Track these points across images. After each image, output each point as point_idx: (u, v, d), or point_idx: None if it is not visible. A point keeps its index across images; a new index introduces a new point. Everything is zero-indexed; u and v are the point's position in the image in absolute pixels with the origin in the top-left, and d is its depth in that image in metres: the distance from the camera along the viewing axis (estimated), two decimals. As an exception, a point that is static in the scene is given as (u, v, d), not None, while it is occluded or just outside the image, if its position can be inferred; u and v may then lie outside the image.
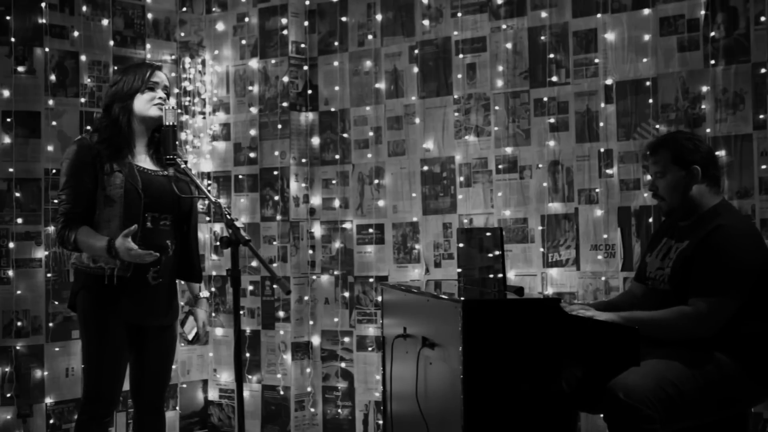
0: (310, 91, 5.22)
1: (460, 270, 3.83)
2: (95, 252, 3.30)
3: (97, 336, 3.35)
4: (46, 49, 4.65)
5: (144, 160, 3.46)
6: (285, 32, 5.14)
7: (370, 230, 5.05)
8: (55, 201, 3.43)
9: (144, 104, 3.42)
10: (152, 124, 3.46)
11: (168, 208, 3.45)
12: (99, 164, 3.34)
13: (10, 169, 4.55)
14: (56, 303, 4.63)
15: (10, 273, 4.54)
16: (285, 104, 5.14)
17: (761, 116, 4.02)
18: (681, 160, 3.41)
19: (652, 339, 3.28)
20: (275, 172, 5.15)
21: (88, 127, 3.58)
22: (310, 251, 5.21)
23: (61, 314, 4.63)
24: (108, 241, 3.25)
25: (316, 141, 5.22)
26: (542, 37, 4.51)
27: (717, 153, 3.97)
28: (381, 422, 4.76)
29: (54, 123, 4.65)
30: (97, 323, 3.35)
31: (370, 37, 5.05)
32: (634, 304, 3.53)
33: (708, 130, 4.10)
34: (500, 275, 3.37)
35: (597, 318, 3.21)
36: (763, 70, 4.01)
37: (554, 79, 4.48)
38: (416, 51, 4.89)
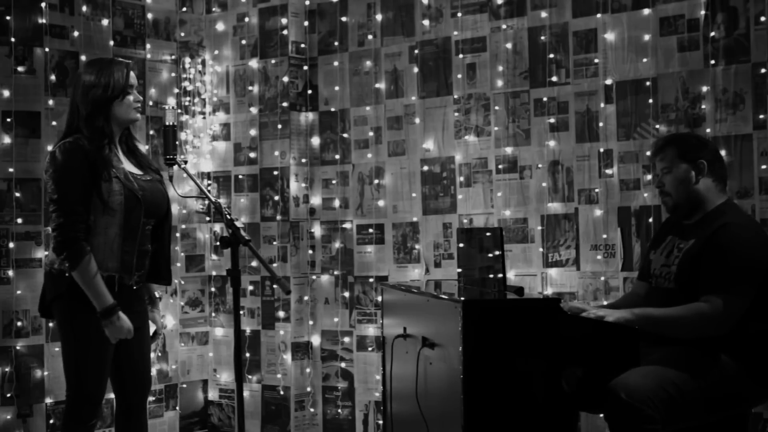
0: (310, 91, 5.22)
1: (460, 270, 3.83)
2: (93, 292, 3.25)
3: (85, 340, 3.33)
4: (46, 49, 4.65)
5: (127, 164, 3.44)
6: (285, 32, 5.13)
7: (370, 230, 5.04)
8: (52, 208, 3.29)
9: (125, 110, 3.40)
10: (126, 125, 3.47)
11: (157, 213, 3.46)
12: (95, 170, 3.29)
13: (10, 169, 4.55)
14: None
15: (10, 273, 4.54)
16: (285, 104, 5.14)
17: (761, 116, 4.02)
18: (687, 155, 3.44)
19: (653, 339, 3.28)
20: (275, 172, 5.15)
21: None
22: (310, 251, 5.21)
23: (62, 314, 4.63)
24: (116, 305, 3.26)
25: (316, 141, 5.22)
26: (542, 37, 4.51)
27: (717, 153, 4.00)
28: (381, 422, 4.76)
29: (54, 123, 4.64)
30: (85, 327, 3.32)
31: (370, 37, 5.05)
32: (638, 304, 3.52)
33: (708, 130, 4.10)
34: (500, 275, 3.37)
35: (608, 319, 3.19)
36: (763, 70, 4.01)
37: (554, 79, 4.48)
38: (416, 51, 4.89)
